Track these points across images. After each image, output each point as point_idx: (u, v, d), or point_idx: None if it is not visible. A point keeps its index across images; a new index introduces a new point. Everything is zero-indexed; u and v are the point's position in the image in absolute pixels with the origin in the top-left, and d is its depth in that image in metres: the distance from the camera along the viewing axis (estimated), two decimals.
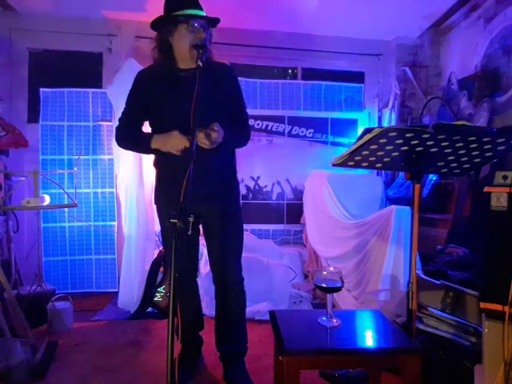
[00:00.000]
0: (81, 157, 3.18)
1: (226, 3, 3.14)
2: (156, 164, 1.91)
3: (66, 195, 2.67)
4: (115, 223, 3.35)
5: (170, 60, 1.79)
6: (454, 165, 1.57)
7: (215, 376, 1.96)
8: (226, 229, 1.88)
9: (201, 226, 1.97)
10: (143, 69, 1.94)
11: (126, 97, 1.89)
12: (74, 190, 2.71)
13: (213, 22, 1.78)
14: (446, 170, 1.62)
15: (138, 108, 1.85)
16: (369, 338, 1.37)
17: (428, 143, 1.38)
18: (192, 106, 1.43)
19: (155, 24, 1.78)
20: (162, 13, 1.79)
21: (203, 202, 1.77)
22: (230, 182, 1.93)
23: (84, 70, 3.77)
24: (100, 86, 3.64)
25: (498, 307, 1.31)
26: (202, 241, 2.05)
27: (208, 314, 2.65)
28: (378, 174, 3.69)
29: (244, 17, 3.47)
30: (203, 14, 1.74)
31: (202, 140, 1.64)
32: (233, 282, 1.90)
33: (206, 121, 1.65)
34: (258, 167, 3.79)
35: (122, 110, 1.93)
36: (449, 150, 1.44)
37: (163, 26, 1.76)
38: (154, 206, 2.03)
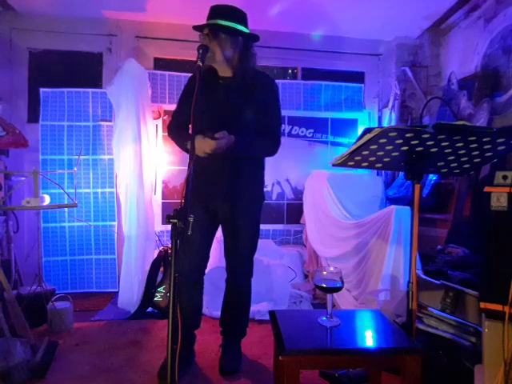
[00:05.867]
0: (81, 157, 3.18)
1: (225, 3, 3.13)
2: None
3: (66, 195, 2.67)
4: (115, 223, 3.35)
5: (211, 67, 1.93)
6: (454, 165, 1.57)
7: (215, 376, 1.96)
8: (242, 229, 1.98)
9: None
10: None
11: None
12: (74, 190, 2.71)
13: (213, 28, 1.86)
14: (445, 170, 1.62)
15: (184, 107, 1.96)
16: (369, 338, 1.37)
17: (428, 143, 1.38)
18: (192, 108, 1.44)
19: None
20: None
21: (221, 202, 1.92)
22: (252, 186, 2.00)
23: (84, 70, 3.76)
24: (100, 86, 3.64)
25: (498, 307, 1.31)
26: None
27: (208, 314, 2.66)
28: (378, 174, 3.69)
29: None
30: (213, 21, 1.84)
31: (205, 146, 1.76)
32: (244, 274, 2.06)
33: (232, 127, 1.79)
34: None
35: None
36: (449, 150, 1.44)
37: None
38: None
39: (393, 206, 2.47)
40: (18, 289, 2.69)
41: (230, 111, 1.88)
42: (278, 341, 1.31)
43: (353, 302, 2.65)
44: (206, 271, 2.82)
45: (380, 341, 1.37)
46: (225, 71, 1.93)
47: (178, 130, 2.01)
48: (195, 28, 1.90)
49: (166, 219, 1.23)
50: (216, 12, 1.88)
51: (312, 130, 3.85)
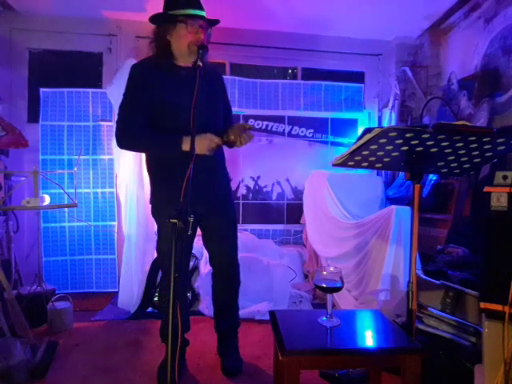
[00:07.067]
0: (81, 157, 3.18)
1: (225, 3, 3.14)
2: (155, 165, 1.90)
3: (66, 195, 2.67)
4: (115, 223, 3.35)
5: (168, 57, 1.80)
6: (454, 165, 1.57)
7: (215, 376, 1.96)
8: (225, 225, 1.97)
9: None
10: (139, 62, 1.88)
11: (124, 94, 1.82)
12: (74, 190, 2.71)
13: (212, 22, 1.81)
14: (445, 169, 1.62)
15: (141, 99, 1.76)
16: (369, 338, 1.37)
17: (428, 143, 1.38)
18: (192, 106, 1.43)
19: (154, 19, 1.79)
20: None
21: (203, 201, 1.83)
22: (225, 179, 2.02)
23: (84, 70, 3.77)
24: (100, 86, 3.64)
25: (498, 307, 1.31)
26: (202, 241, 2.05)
27: (208, 314, 2.65)
28: (378, 174, 3.69)
29: (244, 17, 3.47)
30: (203, 13, 1.76)
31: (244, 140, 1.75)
32: (233, 264, 2.04)
33: (207, 120, 1.73)
34: (258, 167, 3.78)
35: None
36: (449, 150, 1.44)
37: (162, 23, 1.77)
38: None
39: (393, 206, 2.47)
40: (18, 289, 2.69)
41: (210, 104, 1.80)
42: (278, 341, 1.31)
43: (353, 301, 2.65)
44: (207, 271, 2.83)
45: (380, 341, 1.37)
46: (187, 61, 1.79)
47: (147, 132, 1.77)
48: (181, 16, 1.71)
49: (166, 220, 1.23)
50: (193, 0, 1.75)
51: (312, 130, 3.85)
